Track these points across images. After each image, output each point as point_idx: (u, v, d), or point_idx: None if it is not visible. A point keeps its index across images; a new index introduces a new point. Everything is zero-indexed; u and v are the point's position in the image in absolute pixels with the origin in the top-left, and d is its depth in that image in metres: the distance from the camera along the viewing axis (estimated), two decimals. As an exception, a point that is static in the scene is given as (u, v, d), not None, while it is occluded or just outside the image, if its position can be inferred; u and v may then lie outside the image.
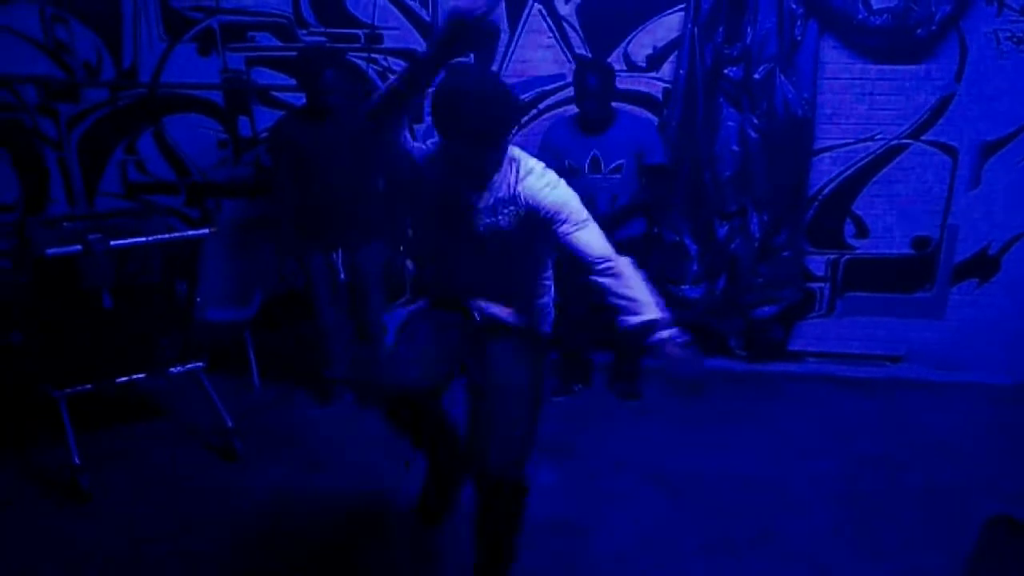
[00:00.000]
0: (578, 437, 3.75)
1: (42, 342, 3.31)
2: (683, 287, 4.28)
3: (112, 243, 3.13)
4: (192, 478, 3.45)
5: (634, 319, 2.21)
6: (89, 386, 3.30)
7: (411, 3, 4.12)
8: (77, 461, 3.25)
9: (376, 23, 4.15)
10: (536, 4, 4.07)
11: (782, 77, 3.93)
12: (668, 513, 3.18)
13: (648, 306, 2.21)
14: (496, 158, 2.26)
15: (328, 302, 3.85)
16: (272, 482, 3.41)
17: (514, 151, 2.34)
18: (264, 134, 4.24)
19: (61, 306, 3.21)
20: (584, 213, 2.30)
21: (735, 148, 4.07)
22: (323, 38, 4.18)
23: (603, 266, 2.24)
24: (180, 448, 3.67)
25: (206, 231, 3.42)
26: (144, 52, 4.28)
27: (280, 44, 4.22)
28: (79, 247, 3.07)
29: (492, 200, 2.31)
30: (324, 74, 3.51)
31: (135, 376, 3.41)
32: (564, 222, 2.26)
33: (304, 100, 3.66)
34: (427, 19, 4.12)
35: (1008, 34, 3.85)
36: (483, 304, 2.52)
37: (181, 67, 4.28)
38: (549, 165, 2.71)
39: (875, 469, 3.51)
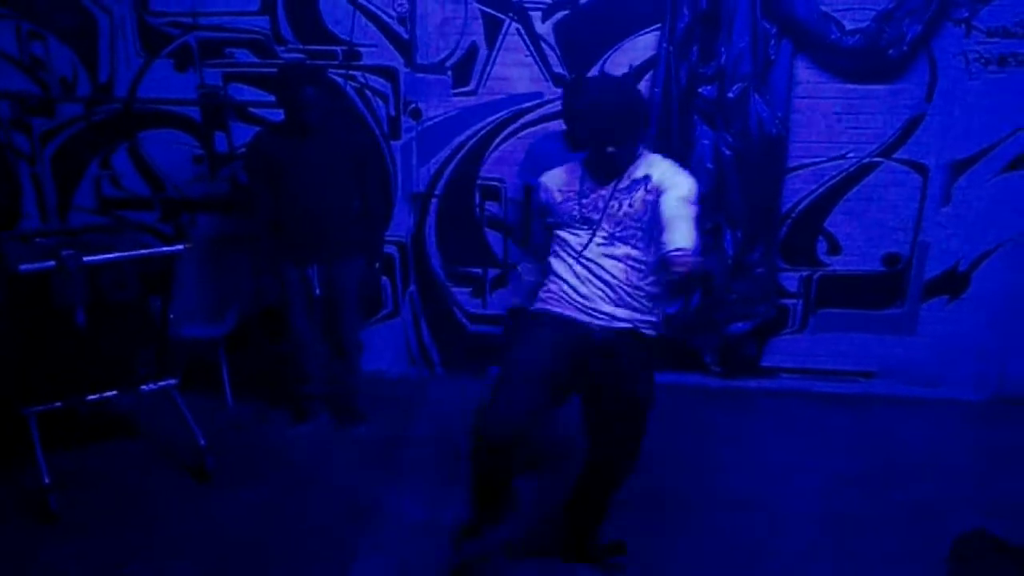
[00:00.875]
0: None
1: (13, 358, 3.25)
2: (659, 303, 4.29)
3: (85, 259, 3.10)
4: (164, 498, 3.40)
5: (667, 247, 2.39)
6: (59, 404, 3.25)
7: (389, 21, 4.14)
8: (47, 481, 3.20)
9: (354, 40, 4.16)
10: (513, 23, 4.10)
11: (756, 96, 3.98)
12: (645, 532, 3.15)
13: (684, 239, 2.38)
14: (626, 153, 2.59)
15: (303, 317, 3.82)
16: (247, 501, 3.37)
17: (647, 153, 2.68)
18: (241, 150, 4.23)
19: (33, 322, 3.16)
20: (693, 200, 2.53)
21: (709, 166, 4.11)
22: (301, 55, 4.18)
23: (676, 252, 2.37)
24: (153, 467, 3.63)
25: (181, 247, 3.39)
26: (120, 68, 4.27)
27: (258, 60, 4.22)
28: (52, 263, 3.03)
29: (627, 183, 2.61)
30: (305, 90, 3.49)
31: (107, 393, 3.37)
32: (674, 194, 2.51)
33: (283, 116, 3.66)
34: (405, 36, 4.14)
35: (976, 55, 3.93)
36: (610, 313, 2.67)
37: (158, 83, 4.28)
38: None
39: (852, 485, 3.54)
